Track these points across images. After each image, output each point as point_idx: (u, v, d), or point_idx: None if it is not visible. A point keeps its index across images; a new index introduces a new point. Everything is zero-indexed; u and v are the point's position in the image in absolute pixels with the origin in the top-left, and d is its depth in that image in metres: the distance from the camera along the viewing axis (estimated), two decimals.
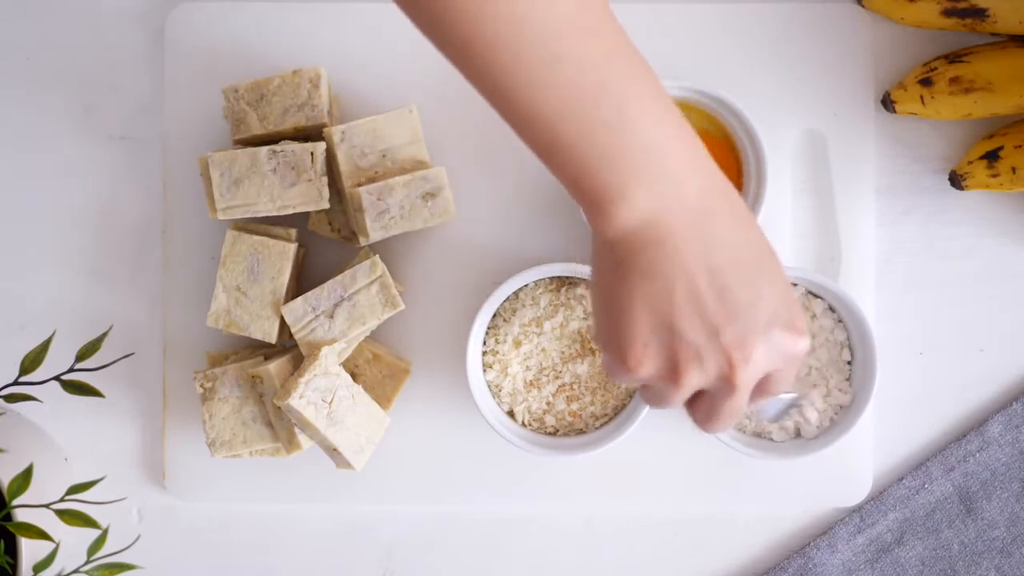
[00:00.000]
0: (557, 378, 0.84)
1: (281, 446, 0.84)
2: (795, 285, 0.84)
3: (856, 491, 0.88)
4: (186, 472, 0.88)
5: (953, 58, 0.84)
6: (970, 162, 0.85)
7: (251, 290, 0.83)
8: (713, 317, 0.62)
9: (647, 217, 0.61)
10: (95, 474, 0.86)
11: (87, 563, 0.76)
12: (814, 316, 0.84)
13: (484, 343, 0.85)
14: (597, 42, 0.60)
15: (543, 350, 0.84)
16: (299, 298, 0.81)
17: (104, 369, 0.79)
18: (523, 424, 0.85)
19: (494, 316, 0.85)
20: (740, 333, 0.62)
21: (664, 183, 0.61)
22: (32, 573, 0.76)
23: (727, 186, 0.64)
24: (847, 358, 0.84)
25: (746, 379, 0.63)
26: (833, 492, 0.88)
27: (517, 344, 0.84)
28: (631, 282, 0.62)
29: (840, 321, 0.84)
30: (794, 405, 0.82)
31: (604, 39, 0.60)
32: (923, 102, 0.84)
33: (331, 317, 0.81)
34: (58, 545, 0.75)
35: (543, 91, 0.59)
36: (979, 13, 0.82)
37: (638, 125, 0.60)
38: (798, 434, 0.84)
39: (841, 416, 0.84)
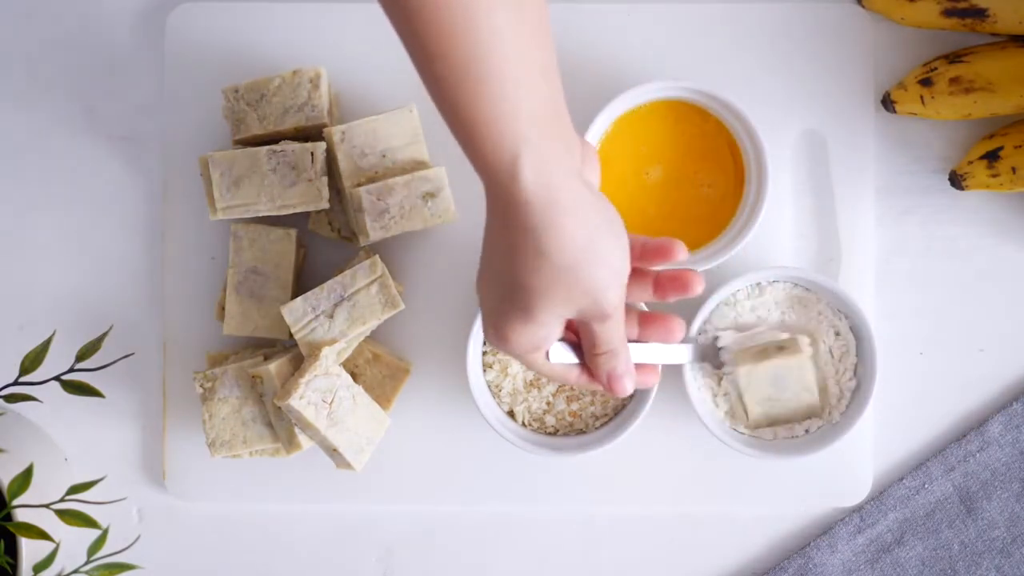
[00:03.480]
0: None
1: (281, 446, 0.84)
2: (795, 285, 0.84)
3: (856, 491, 0.88)
4: (186, 472, 0.88)
5: (953, 58, 0.84)
6: (970, 162, 0.85)
7: (260, 292, 0.83)
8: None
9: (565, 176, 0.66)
10: (95, 474, 0.86)
11: (87, 563, 0.76)
12: (817, 314, 0.84)
13: (484, 343, 0.85)
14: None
15: None
16: (299, 298, 0.81)
17: (104, 369, 0.79)
18: (523, 424, 0.85)
19: None
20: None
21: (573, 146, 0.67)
22: (32, 573, 0.76)
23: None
24: (847, 358, 0.84)
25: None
26: (833, 492, 0.88)
27: None
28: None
29: (840, 321, 0.84)
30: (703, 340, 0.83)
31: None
32: (923, 102, 0.84)
33: (331, 317, 0.81)
34: (58, 545, 0.75)
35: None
36: (979, 13, 0.82)
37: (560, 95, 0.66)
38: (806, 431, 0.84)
39: (841, 416, 0.84)
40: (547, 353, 0.72)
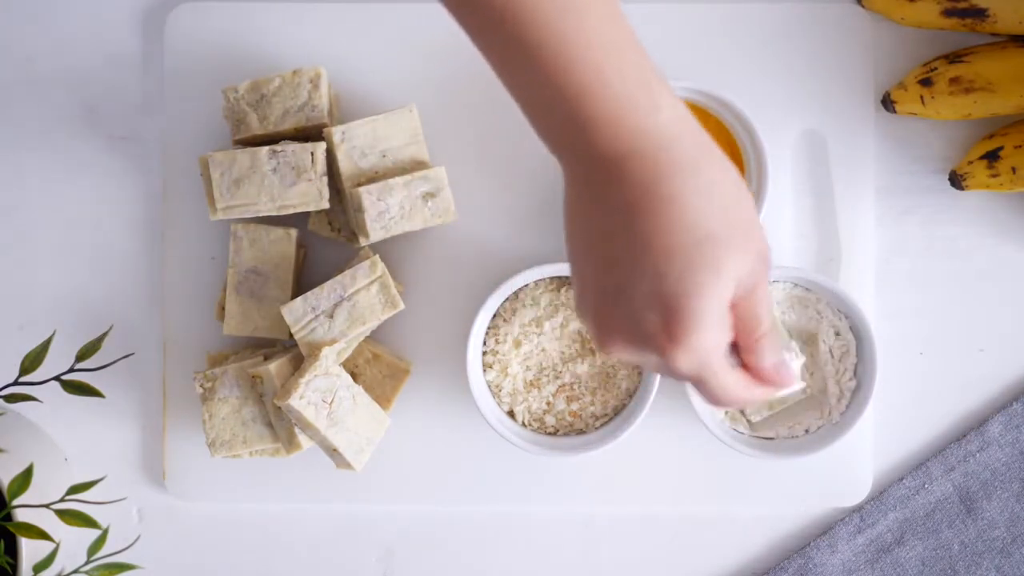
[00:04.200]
0: (557, 378, 0.84)
1: (281, 446, 0.84)
2: (795, 285, 0.84)
3: (856, 491, 0.88)
4: (186, 472, 0.88)
5: (953, 58, 0.84)
6: (970, 162, 0.85)
7: (260, 292, 0.83)
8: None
9: (674, 130, 0.55)
10: (95, 474, 0.86)
11: (87, 563, 0.76)
12: (817, 314, 0.84)
13: (484, 343, 0.85)
14: None
15: (543, 350, 0.84)
16: (299, 298, 0.81)
17: (104, 369, 0.79)
18: (523, 424, 0.85)
19: (494, 316, 0.85)
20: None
21: (674, 100, 0.56)
22: (32, 573, 0.76)
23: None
24: (847, 358, 0.84)
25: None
26: (833, 492, 0.88)
27: (517, 344, 0.84)
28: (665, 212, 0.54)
29: (840, 321, 0.84)
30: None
31: None
32: (923, 102, 0.84)
33: (331, 317, 0.81)
34: (58, 545, 0.75)
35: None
36: (979, 13, 0.82)
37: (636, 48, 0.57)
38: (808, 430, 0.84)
39: (841, 416, 0.84)
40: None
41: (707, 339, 0.56)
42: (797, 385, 0.65)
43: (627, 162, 0.55)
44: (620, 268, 0.56)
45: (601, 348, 0.59)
